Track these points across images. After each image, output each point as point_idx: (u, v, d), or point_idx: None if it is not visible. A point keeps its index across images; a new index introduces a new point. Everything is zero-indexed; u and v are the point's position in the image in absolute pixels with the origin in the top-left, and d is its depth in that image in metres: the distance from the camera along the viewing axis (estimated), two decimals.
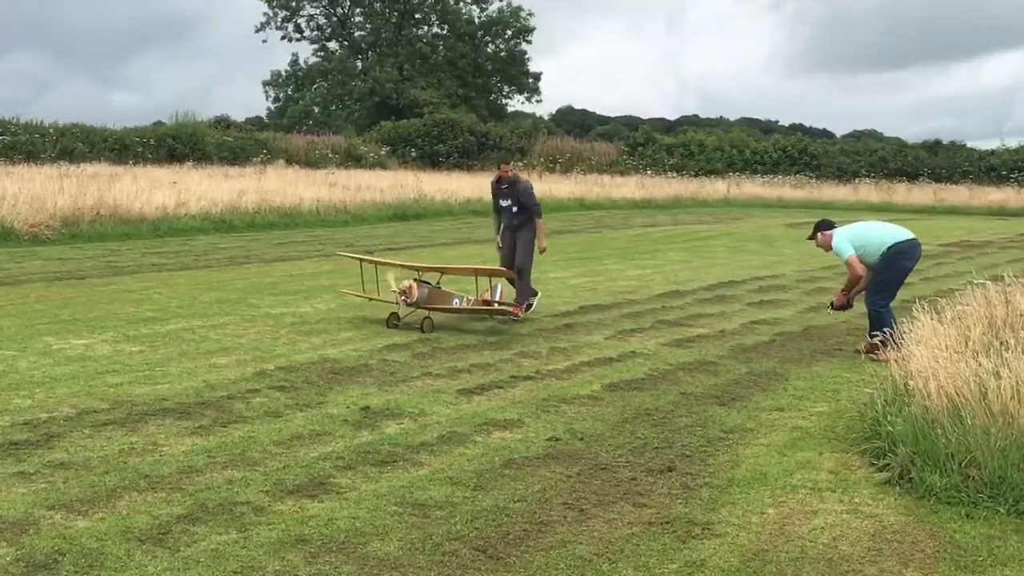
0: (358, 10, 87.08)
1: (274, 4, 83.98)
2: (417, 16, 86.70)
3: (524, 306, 13.97)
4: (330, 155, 51.93)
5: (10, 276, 17.46)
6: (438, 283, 13.65)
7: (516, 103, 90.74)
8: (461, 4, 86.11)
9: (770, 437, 8.40)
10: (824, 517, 6.53)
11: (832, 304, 12.62)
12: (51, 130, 43.47)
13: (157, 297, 15.29)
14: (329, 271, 18.93)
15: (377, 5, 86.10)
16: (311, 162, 49.26)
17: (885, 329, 9.96)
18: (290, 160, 48.31)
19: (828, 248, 12.16)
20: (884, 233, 12.02)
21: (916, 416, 7.31)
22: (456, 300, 13.52)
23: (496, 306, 13.77)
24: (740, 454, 7.89)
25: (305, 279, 17.95)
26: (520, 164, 57.35)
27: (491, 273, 13.90)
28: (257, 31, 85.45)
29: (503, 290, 14.18)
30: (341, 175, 42.53)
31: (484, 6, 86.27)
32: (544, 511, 6.51)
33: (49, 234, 23.75)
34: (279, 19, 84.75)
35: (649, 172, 59.48)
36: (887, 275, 11.81)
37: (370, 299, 13.90)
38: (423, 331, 12.77)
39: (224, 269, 19.33)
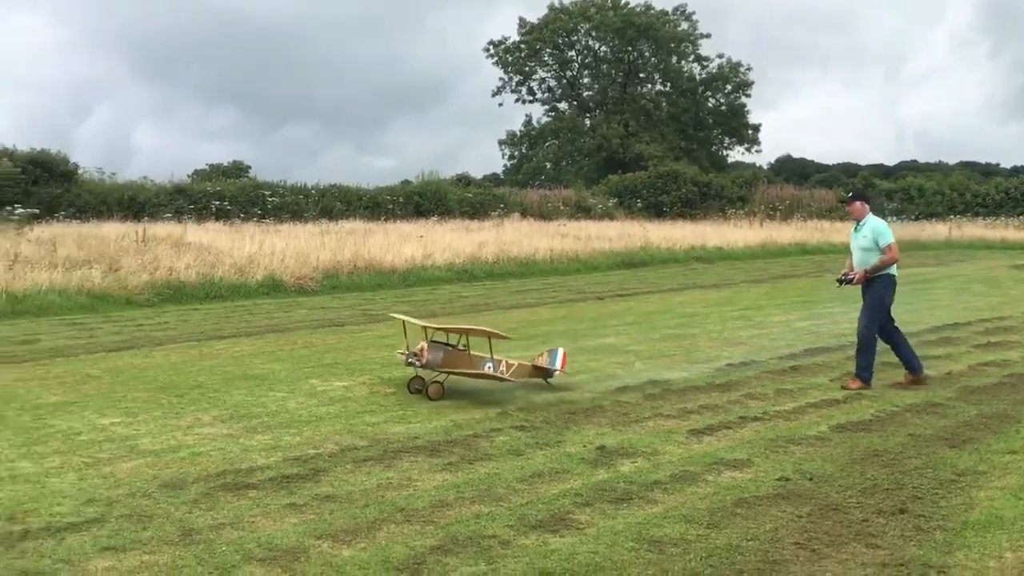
0: (586, 72, 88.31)
1: (509, 70, 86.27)
2: (641, 75, 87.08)
3: None
4: (561, 207, 52.56)
5: (280, 324, 18.35)
6: (464, 345, 11.81)
7: (736, 154, 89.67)
8: (683, 63, 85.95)
9: (1004, 480, 7.92)
10: None
11: (852, 280, 12.16)
12: (313, 192, 46.11)
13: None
14: (563, 316, 19.05)
15: (604, 67, 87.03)
16: (544, 214, 49.94)
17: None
18: (525, 213, 49.14)
19: (860, 218, 12.17)
20: None
21: None
22: (488, 365, 11.56)
23: (546, 369, 11.92)
24: (974, 497, 7.46)
25: (541, 324, 18.12)
26: (741, 212, 56.52)
27: (489, 335, 11.69)
28: (494, 95, 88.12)
29: (564, 355, 12.08)
30: (572, 226, 42.99)
31: (705, 63, 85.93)
32: (776, 550, 6.32)
33: (312, 285, 24.91)
34: (514, 83, 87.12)
35: None
36: (887, 301, 12.00)
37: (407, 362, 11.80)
38: (430, 397, 11.17)
39: (466, 316, 19.73)
